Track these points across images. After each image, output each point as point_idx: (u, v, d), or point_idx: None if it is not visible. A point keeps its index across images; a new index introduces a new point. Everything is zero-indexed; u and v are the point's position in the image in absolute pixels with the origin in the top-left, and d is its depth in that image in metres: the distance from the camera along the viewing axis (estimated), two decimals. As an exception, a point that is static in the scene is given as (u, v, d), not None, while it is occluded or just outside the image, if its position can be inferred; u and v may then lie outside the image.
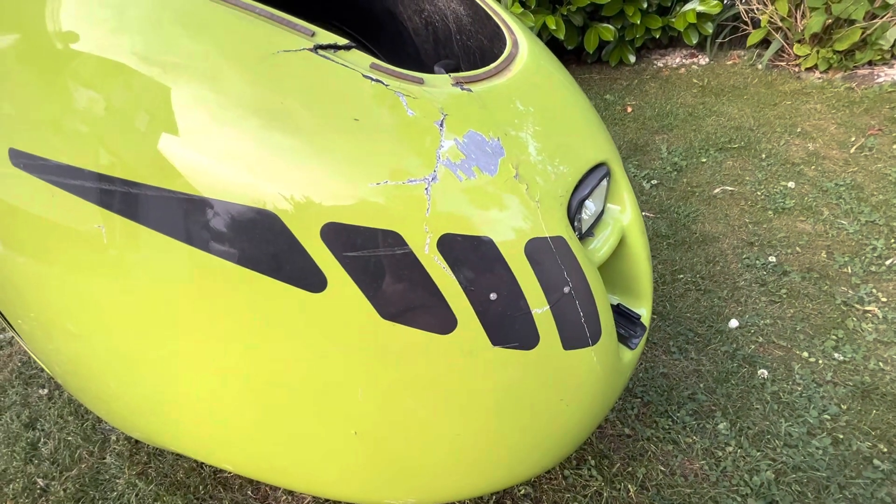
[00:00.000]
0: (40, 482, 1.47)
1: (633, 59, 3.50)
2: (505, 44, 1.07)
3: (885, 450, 1.42)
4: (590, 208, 1.01)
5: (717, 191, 2.41)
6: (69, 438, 1.57)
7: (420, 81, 0.84)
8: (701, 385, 1.61)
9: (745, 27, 3.32)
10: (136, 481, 1.44)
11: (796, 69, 3.21)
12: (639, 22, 3.25)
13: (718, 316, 1.83)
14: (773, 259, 2.02)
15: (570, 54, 3.64)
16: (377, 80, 0.81)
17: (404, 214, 0.76)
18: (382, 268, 0.77)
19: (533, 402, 0.91)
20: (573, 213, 0.91)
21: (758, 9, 3.18)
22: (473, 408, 0.88)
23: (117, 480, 1.45)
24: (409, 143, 0.79)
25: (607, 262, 1.06)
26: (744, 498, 1.34)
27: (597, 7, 3.19)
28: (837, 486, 1.35)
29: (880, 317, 1.77)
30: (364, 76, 0.80)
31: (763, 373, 1.63)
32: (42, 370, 1.82)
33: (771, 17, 3.15)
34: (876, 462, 1.39)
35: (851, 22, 2.93)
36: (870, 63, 3.08)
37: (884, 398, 1.53)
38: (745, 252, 2.07)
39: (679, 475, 1.40)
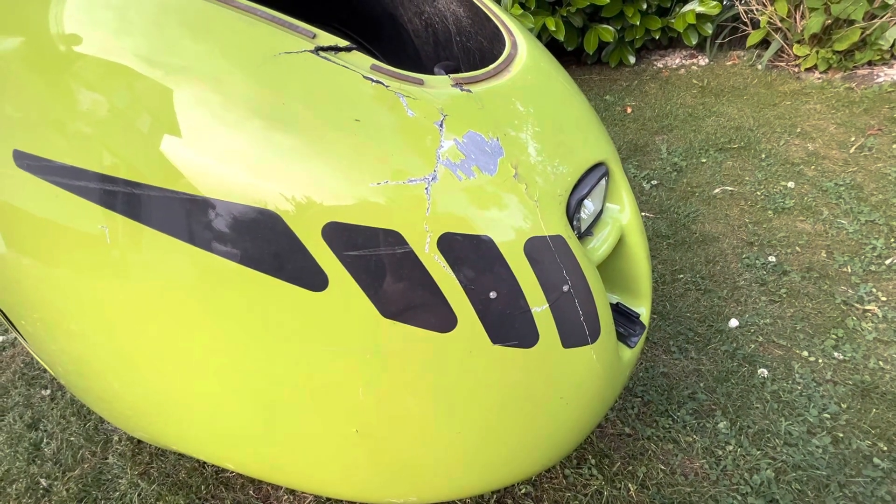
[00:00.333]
0: (43, 482, 1.48)
1: (632, 60, 3.51)
2: (504, 45, 1.08)
3: (885, 448, 1.42)
4: (589, 207, 1.02)
5: (716, 191, 2.41)
6: (72, 439, 1.58)
7: (420, 82, 0.85)
8: (701, 384, 1.61)
9: (745, 28, 3.33)
10: (139, 481, 1.44)
11: (796, 69, 3.21)
12: (638, 23, 3.26)
13: (718, 315, 1.83)
14: (772, 259, 2.03)
15: (569, 55, 3.65)
16: (378, 82, 0.81)
17: (405, 214, 0.77)
18: (383, 267, 0.77)
19: (533, 400, 0.91)
20: (572, 212, 0.91)
21: (757, 9, 3.19)
22: (474, 406, 0.88)
23: (120, 480, 1.46)
24: (410, 143, 0.79)
25: (606, 261, 1.07)
26: (744, 496, 1.34)
27: (596, 8, 3.20)
28: (837, 485, 1.35)
29: (880, 316, 1.77)
30: (365, 77, 0.81)
31: (763, 372, 1.63)
32: (45, 371, 1.83)
33: (770, 18, 3.16)
34: (876, 460, 1.39)
35: (851, 22, 2.93)
36: (869, 63, 3.08)
37: (883, 397, 1.54)
38: (745, 252, 2.08)
39: (679, 474, 1.40)
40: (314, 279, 0.77)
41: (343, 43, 0.84)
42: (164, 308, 0.83)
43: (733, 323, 1.80)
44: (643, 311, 1.14)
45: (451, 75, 0.91)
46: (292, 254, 0.76)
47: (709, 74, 3.35)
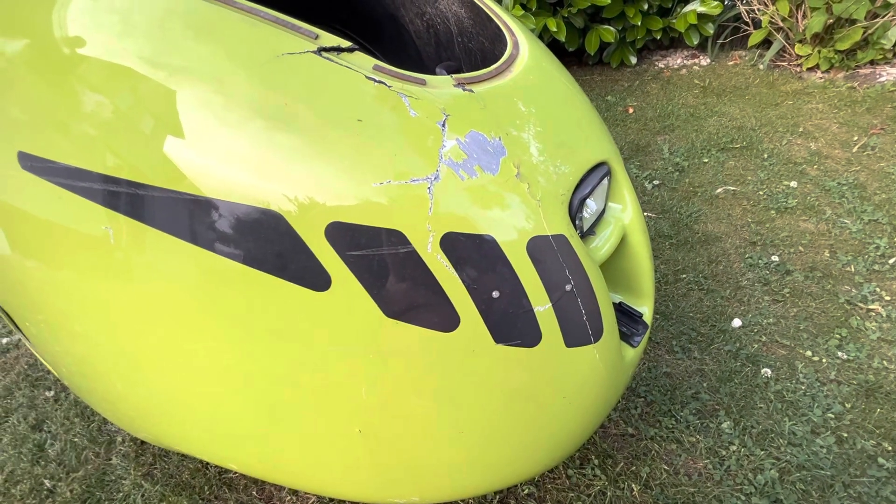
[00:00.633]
0: (47, 483, 1.48)
1: (634, 60, 3.51)
2: (506, 45, 1.08)
3: (890, 448, 1.41)
4: (591, 207, 1.02)
5: (719, 191, 2.41)
6: (75, 440, 1.58)
7: (422, 82, 0.85)
8: (704, 384, 1.61)
9: (746, 28, 3.33)
10: (142, 482, 1.45)
11: (798, 69, 3.21)
12: (640, 23, 3.26)
13: (721, 315, 1.83)
14: (775, 258, 2.02)
15: (571, 56, 3.65)
16: (380, 82, 0.82)
17: (407, 213, 0.77)
18: (386, 266, 0.77)
19: (536, 400, 0.91)
20: (574, 211, 0.91)
21: (759, 9, 3.19)
22: (476, 406, 0.88)
23: (123, 481, 1.46)
24: (412, 143, 0.80)
25: (609, 260, 1.07)
26: (748, 497, 1.34)
27: (597, 9, 3.20)
28: (842, 485, 1.34)
29: (884, 315, 1.76)
30: (367, 77, 0.81)
31: (766, 372, 1.63)
32: (48, 372, 1.83)
33: (772, 18, 3.15)
34: (881, 460, 1.39)
35: (853, 21, 2.93)
36: (871, 62, 3.08)
37: (888, 397, 1.53)
38: (748, 251, 2.07)
39: (683, 474, 1.40)
40: (317, 279, 0.77)
41: (345, 43, 0.85)
42: (167, 308, 0.84)
43: (736, 323, 1.79)
44: (646, 310, 1.14)
45: (454, 75, 0.91)
46: (295, 254, 0.76)
47: (710, 74, 3.35)
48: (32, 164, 0.83)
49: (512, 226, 0.82)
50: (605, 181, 1.04)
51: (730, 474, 1.39)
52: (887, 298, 1.82)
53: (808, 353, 1.68)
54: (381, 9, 1.53)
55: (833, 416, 1.50)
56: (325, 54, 0.82)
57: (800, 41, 3.13)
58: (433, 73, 1.06)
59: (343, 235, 0.76)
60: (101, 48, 0.81)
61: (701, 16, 3.26)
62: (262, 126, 0.76)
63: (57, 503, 1.43)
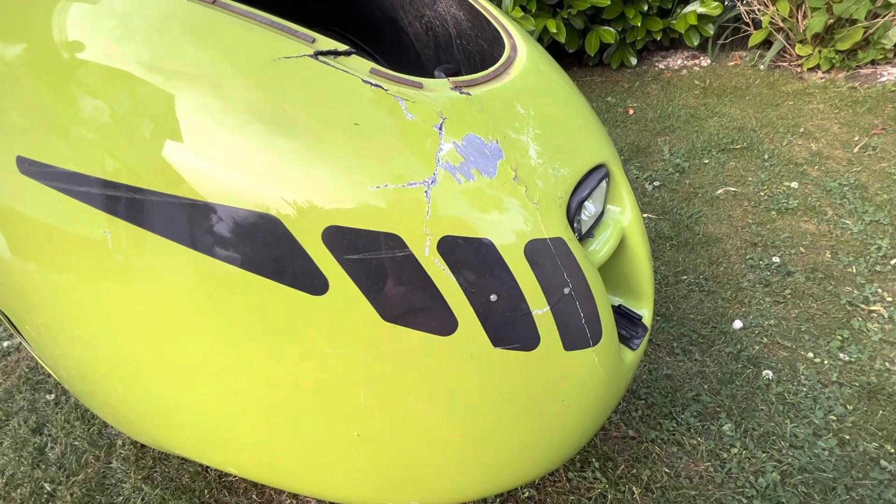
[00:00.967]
0: (47, 487, 1.48)
1: (634, 61, 3.51)
2: (504, 48, 1.08)
3: (892, 451, 1.41)
4: (589, 209, 1.02)
5: (719, 192, 2.40)
6: (76, 443, 1.58)
7: (419, 86, 0.85)
8: (705, 386, 1.61)
9: (747, 28, 3.32)
10: (142, 485, 1.45)
11: (798, 69, 3.20)
12: (640, 24, 3.26)
13: (722, 317, 1.82)
14: (776, 259, 2.02)
15: (571, 57, 3.65)
16: (377, 85, 0.82)
17: (404, 217, 0.77)
18: (383, 270, 0.77)
19: (535, 403, 0.91)
20: (573, 214, 0.91)
21: (759, 10, 3.19)
22: (475, 409, 0.88)
23: (123, 485, 1.46)
24: (409, 146, 0.80)
25: (608, 262, 1.07)
26: (749, 499, 1.33)
27: (597, 10, 3.20)
28: (844, 488, 1.34)
29: (886, 316, 1.76)
30: (364, 81, 0.81)
31: (768, 374, 1.62)
32: (49, 375, 1.83)
33: (772, 18, 3.15)
34: (883, 463, 1.38)
35: (853, 21, 2.92)
36: (872, 62, 3.07)
37: (890, 398, 1.52)
38: (749, 253, 2.07)
39: (684, 477, 1.39)
40: (314, 283, 0.77)
41: (342, 47, 0.85)
42: (166, 312, 0.84)
43: (737, 324, 1.79)
44: (645, 312, 1.14)
45: (451, 78, 0.91)
46: (293, 258, 0.76)
47: (711, 75, 3.34)
48: (31, 168, 0.83)
49: (509, 229, 0.82)
50: (604, 183, 1.04)
51: (731, 477, 1.38)
52: (889, 299, 1.81)
53: (810, 354, 1.67)
54: (381, 12, 1.53)
55: (835, 418, 1.49)
56: (321, 58, 0.82)
57: (800, 41, 3.13)
58: (432, 75, 1.06)
59: (340, 239, 0.76)
60: (100, 53, 0.81)
61: (701, 16, 3.25)
62: (260, 130, 0.76)
63: (57, 507, 1.44)
